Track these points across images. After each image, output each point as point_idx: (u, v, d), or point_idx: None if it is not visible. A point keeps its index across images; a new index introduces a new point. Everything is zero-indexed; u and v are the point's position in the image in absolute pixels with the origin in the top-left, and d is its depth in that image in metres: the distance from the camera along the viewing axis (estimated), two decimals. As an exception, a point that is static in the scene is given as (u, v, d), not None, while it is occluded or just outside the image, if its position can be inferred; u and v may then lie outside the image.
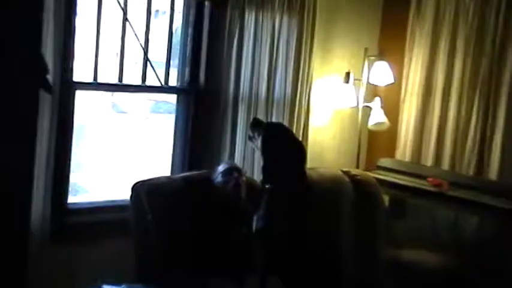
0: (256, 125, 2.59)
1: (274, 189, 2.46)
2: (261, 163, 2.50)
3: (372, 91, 3.91)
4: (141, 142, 4.14)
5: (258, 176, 3.14)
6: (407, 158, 3.88)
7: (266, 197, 2.46)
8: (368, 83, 3.79)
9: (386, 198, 3.38)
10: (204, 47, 3.29)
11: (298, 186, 2.47)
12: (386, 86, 3.83)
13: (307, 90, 3.60)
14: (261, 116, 3.34)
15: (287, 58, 3.48)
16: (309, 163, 2.91)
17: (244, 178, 2.63)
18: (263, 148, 2.49)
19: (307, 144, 3.54)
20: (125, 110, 4.32)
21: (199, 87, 3.33)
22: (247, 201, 2.59)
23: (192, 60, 3.33)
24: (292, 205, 2.46)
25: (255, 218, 2.46)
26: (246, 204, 2.58)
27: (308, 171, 2.73)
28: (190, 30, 3.32)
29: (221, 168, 2.67)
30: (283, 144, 2.51)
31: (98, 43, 3.03)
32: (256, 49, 3.36)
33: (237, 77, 3.32)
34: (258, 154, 2.73)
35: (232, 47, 3.27)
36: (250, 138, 2.59)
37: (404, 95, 3.91)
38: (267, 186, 2.47)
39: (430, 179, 3.41)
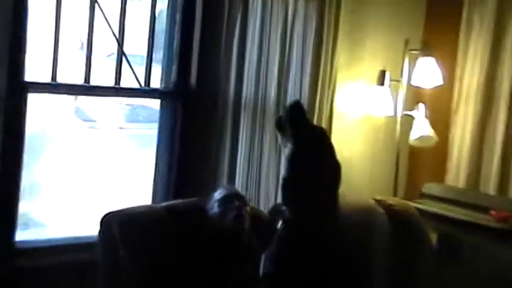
0: (296, 116, 2.44)
1: (294, 219, 2.32)
2: (283, 176, 2.38)
3: (415, 96, 3.79)
4: (113, 160, 4.03)
5: (265, 206, 3.14)
6: (461, 183, 3.75)
7: (282, 229, 2.35)
8: (409, 84, 3.65)
9: (433, 237, 3.22)
10: (197, 38, 3.17)
11: (326, 219, 2.34)
12: (433, 89, 3.66)
13: (330, 95, 3.46)
14: (270, 128, 3.23)
15: (303, 53, 3.36)
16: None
17: (248, 208, 2.53)
18: (291, 158, 2.35)
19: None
20: (92, 118, 4.19)
21: (190, 89, 3.21)
22: (252, 234, 2.51)
23: (180, 54, 3.20)
24: (315, 243, 2.34)
25: (263, 257, 2.38)
26: (251, 238, 2.51)
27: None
28: (178, 16, 3.20)
29: (218, 195, 2.58)
30: (319, 160, 2.38)
31: (58, 33, 2.91)
32: (264, 41, 3.24)
33: (239, 76, 3.20)
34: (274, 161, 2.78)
35: (233, 38, 3.16)
36: (281, 129, 2.45)
37: (458, 102, 3.78)
38: (283, 208, 2.35)
39: (493, 212, 3.29)
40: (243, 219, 2.47)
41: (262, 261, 2.40)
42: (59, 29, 2.89)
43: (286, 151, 2.46)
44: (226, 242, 2.46)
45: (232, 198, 2.54)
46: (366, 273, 2.82)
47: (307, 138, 2.44)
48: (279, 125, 2.55)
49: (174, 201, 2.82)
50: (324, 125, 3.43)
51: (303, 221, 2.36)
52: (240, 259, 2.47)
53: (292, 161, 2.41)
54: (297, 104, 2.59)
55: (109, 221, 2.52)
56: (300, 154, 2.40)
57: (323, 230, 2.38)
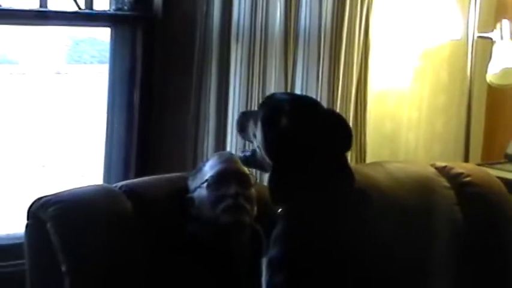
0: (246, 116, 2.60)
1: (293, 216, 2.38)
2: (269, 173, 2.42)
3: (496, 8, 3.75)
4: (47, 121, 3.97)
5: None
6: None
7: (280, 232, 2.37)
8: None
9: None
10: None
11: (339, 202, 2.38)
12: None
13: (364, 15, 3.42)
14: (275, 69, 3.22)
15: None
16: (371, 154, 3.11)
17: (252, 192, 2.54)
18: (266, 146, 2.44)
19: (364, 121, 3.39)
20: (14, 58, 4.23)
21: (154, 13, 3.15)
22: (259, 230, 2.55)
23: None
24: (329, 238, 2.34)
25: (263, 262, 2.35)
26: (258, 237, 2.54)
27: (364, 170, 2.73)
28: None
29: (209, 169, 2.58)
30: (306, 129, 2.44)
31: None
32: None
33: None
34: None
35: None
36: (245, 134, 2.59)
37: None
38: (279, 211, 2.39)
39: None
40: (240, 212, 2.50)
41: (264, 273, 2.40)
42: None
43: (262, 147, 2.52)
44: (217, 248, 2.50)
45: (229, 179, 2.54)
46: (417, 279, 2.80)
47: (276, 114, 2.50)
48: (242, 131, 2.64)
49: (137, 180, 2.78)
50: (355, 62, 3.41)
51: (307, 212, 2.38)
52: (238, 274, 2.51)
53: (268, 151, 2.48)
54: (242, 113, 2.71)
55: (40, 212, 2.47)
56: (275, 138, 2.50)
57: (336, 219, 2.38)
